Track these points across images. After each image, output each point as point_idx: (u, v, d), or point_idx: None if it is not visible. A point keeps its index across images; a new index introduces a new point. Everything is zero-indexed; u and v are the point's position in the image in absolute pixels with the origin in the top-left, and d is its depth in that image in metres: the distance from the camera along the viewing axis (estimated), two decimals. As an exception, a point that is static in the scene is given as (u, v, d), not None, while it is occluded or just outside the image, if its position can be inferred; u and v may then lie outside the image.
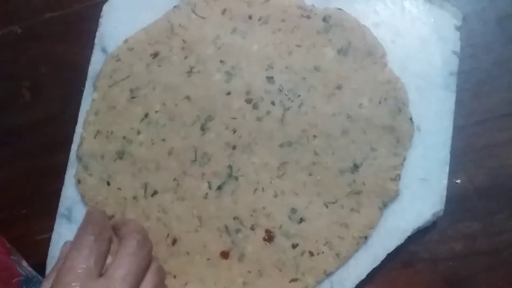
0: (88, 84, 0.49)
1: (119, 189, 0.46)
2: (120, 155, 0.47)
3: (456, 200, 0.44)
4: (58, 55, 0.53)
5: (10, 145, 0.52)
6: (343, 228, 0.43)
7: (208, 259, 0.44)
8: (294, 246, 0.43)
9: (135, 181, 0.46)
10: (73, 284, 0.32)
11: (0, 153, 0.52)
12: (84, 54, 0.51)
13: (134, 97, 0.48)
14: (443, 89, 0.45)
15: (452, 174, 0.44)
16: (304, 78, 0.46)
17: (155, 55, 0.48)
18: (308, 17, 0.47)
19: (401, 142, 0.44)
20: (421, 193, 0.43)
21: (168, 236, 0.45)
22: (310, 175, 0.44)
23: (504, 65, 0.46)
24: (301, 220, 0.44)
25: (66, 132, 0.49)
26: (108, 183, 0.47)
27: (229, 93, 0.46)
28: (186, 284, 0.44)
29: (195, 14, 0.48)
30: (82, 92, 0.50)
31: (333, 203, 0.43)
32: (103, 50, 0.50)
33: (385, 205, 0.43)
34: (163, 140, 0.47)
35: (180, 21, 0.48)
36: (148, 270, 0.36)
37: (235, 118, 0.46)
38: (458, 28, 0.46)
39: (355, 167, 0.44)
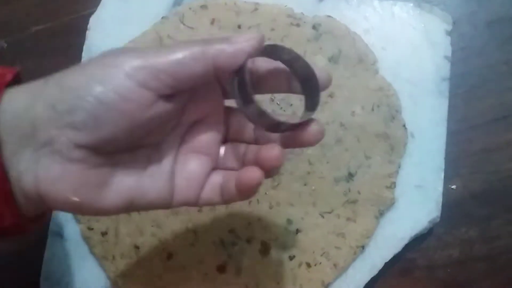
0: (77, 98, 0.49)
1: (111, 204, 0.46)
2: (112, 170, 0.46)
3: (452, 206, 0.44)
4: (46, 68, 0.50)
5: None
6: (339, 238, 0.43)
7: (205, 274, 0.43)
8: (291, 257, 0.43)
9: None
10: None
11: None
12: (74, 62, 0.50)
13: (124, 111, 0.47)
14: (436, 95, 0.45)
15: (447, 180, 0.44)
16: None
17: (145, 67, 0.47)
18: (298, 25, 0.46)
19: (395, 150, 0.43)
20: (417, 200, 0.43)
21: (163, 251, 0.44)
22: (305, 185, 0.44)
23: (496, 68, 0.46)
24: (297, 231, 0.43)
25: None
26: (100, 199, 0.46)
27: (220, 104, 0.46)
28: (182, 299, 0.44)
29: (184, 24, 0.48)
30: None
31: (329, 212, 0.43)
32: (92, 63, 0.49)
33: (381, 214, 0.43)
34: (155, 153, 0.46)
35: (168, 32, 0.48)
36: None
37: (228, 129, 0.45)
38: (448, 33, 0.46)
39: (350, 175, 0.43)
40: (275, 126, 0.29)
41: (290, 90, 0.31)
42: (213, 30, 0.47)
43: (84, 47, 0.49)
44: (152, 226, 0.45)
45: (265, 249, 0.43)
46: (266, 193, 0.44)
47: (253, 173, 0.29)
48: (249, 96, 0.28)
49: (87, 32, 0.50)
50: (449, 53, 0.45)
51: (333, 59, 0.45)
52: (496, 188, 0.44)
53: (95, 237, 0.45)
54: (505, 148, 0.44)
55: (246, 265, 0.43)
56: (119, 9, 0.50)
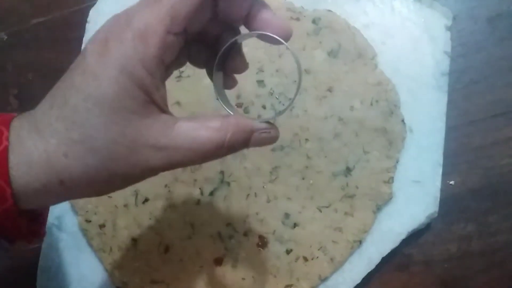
0: (76, 91, 0.49)
1: (109, 197, 0.46)
2: (110, 162, 0.46)
3: (450, 202, 0.44)
4: (46, 61, 0.52)
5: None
6: (337, 232, 0.43)
7: (201, 266, 0.43)
8: (288, 251, 0.43)
9: (125, 188, 0.45)
10: None
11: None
12: (72, 60, 0.49)
13: (123, 103, 0.47)
14: (435, 90, 0.45)
15: (445, 176, 0.43)
16: (295, 81, 0.45)
17: (144, 60, 0.47)
18: (298, 19, 0.46)
19: (393, 144, 0.43)
20: (415, 195, 0.43)
21: (160, 244, 0.44)
22: (303, 179, 0.44)
23: (495, 64, 0.46)
24: (295, 225, 0.43)
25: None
26: (98, 191, 0.46)
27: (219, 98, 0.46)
28: (179, 292, 0.44)
29: (184, 18, 0.48)
30: (70, 99, 0.49)
31: (327, 207, 0.43)
32: (91, 56, 0.49)
33: (378, 208, 0.43)
34: (154, 146, 0.46)
35: (168, 25, 0.48)
36: None
37: (226, 123, 0.45)
38: (448, 28, 0.46)
39: (348, 170, 0.43)
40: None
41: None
42: (212, 24, 0.47)
43: (84, 40, 0.49)
44: (149, 219, 0.45)
45: (262, 243, 0.43)
46: (264, 186, 0.44)
47: None
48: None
49: (87, 24, 0.50)
50: (448, 48, 0.45)
51: (332, 54, 0.45)
52: (494, 184, 0.44)
53: (93, 230, 0.45)
54: (503, 144, 0.44)
55: (243, 258, 0.43)
56: (118, 2, 0.48)
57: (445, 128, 0.44)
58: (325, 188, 0.43)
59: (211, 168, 0.45)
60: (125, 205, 0.45)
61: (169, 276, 0.44)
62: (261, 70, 0.46)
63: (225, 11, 0.28)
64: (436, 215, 0.43)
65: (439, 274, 0.43)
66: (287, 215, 0.43)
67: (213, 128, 0.27)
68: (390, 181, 0.43)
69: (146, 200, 0.45)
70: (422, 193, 0.43)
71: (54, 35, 0.52)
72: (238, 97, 0.45)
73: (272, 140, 0.30)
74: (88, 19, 0.50)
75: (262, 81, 0.46)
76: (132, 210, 0.45)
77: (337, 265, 0.42)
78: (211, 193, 0.44)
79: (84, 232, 0.45)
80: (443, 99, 0.44)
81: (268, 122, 0.29)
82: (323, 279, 0.42)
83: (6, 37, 0.53)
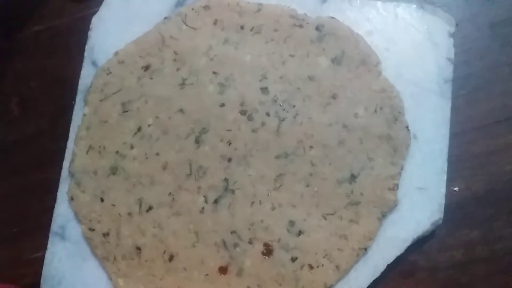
0: (79, 98, 0.49)
1: (113, 205, 0.45)
2: (113, 170, 0.46)
3: (454, 208, 0.44)
4: (47, 69, 0.52)
5: (0, 162, 0.50)
6: (342, 239, 0.42)
7: (206, 275, 0.43)
8: (293, 259, 0.43)
9: (129, 196, 0.45)
10: None
11: (-10, 170, 0.50)
12: (74, 67, 0.50)
13: (126, 111, 0.47)
14: (439, 96, 0.45)
15: (450, 182, 0.43)
16: (299, 88, 0.45)
17: (147, 67, 0.47)
18: (301, 26, 0.46)
19: (398, 151, 0.43)
20: (419, 202, 0.43)
21: (164, 252, 0.44)
22: (308, 186, 0.44)
23: (498, 70, 0.46)
24: (300, 232, 0.43)
25: (57, 148, 0.48)
26: (102, 200, 0.46)
27: (223, 105, 0.46)
28: (184, 300, 0.44)
29: (186, 25, 0.48)
30: (72, 106, 0.49)
31: (332, 214, 0.43)
32: (93, 63, 0.49)
33: (384, 215, 0.43)
34: (157, 154, 0.46)
35: (171, 32, 0.48)
36: None
37: (230, 130, 0.45)
38: (451, 35, 0.46)
39: (353, 177, 0.43)
40: None
41: None
42: (216, 31, 0.47)
43: (86, 47, 0.49)
44: (153, 227, 0.45)
45: (267, 251, 0.43)
46: (268, 194, 0.44)
47: None
48: None
49: (89, 32, 0.50)
50: (452, 55, 0.45)
51: (336, 60, 0.45)
52: (499, 190, 0.44)
53: (97, 238, 0.45)
54: (507, 150, 0.44)
55: (248, 267, 0.43)
56: (121, 10, 0.49)
57: (449, 134, 0.44)
58: (330, 195, 0.43)
59: (215, 175, 0.45)
60: (129, 214, 0.45)
61: (173, 285, 0.44)
62: (264, 77, 0.46)
63: None
64: (441, 221, 0.43)
65: (444, 280, 0.43)
66: (292, 223, 0.43)
67: None
68: (395, 188, 0.43)
69: (150, 208, 0.45)
70: (426, 199, 0.43)
71: (56, 43, 0.52)
72: (242, 104, 0.45)
73: None
74: (91, 26, 0.49)
75: (266, 88, 0.46)
76: (136, 219, 0.45)
77: (342, 272, 0.42)
78: (216, 201, 0.44)
79: (88, 241, 0.45)
80: (447, 105, 0.45)
81: None
82: (329, 287, 0.42)
83: (7, 44, 0.53)
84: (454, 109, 0.45)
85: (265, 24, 0.47)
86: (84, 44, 0.50)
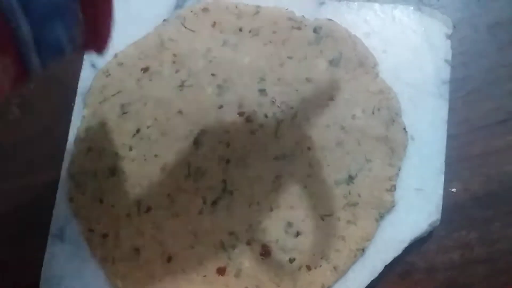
0: (78, 100, 0.49)
1: (112, 206, 0.46)
2: (113, 172, 0.46)
3: (452, 209, 0.44)
4: (47, 71, 0.52)
5: (-1, 164, 0.51)
6: (340, 240, 0.43)
7: (204, 276, 0.43)
8: (291, 260, 0.43)
9: (128, 198, 0.46)
10: None
11: (-11, 172, 0.51)
12: (73, 69, 0.50)
13: (125, 113, 0.47)
14: (436, 98, 0.45)
15: (447, 183, 0.44)
16: (297, 90, 0.45)
17: (146, 69, 0.48)
18: (299, 28, 0.46)
19: (395, 153, 0.44)
20: (417, 203, 0.43)
21: (163, 253, 0.44)
22: (306, 187, 0.44)
23: (496, 72, 0.46)
24: (298, 233, 0.43)
25: (56, 149, 0.49)
26: (101, 201, 0.46)
27: (221, 107, 0.46)
28: (182, 301, 0.44)
29: (185, 27, 0.48)
30: (72, 108, 0.49)
31: (329, 215, 0.43)
32: (93, 65, 0.49)
33: (381, 217, 0.43)
34: (156, 155, 0.46)
35: (170, 35, 0.48)
36: None
37: (228, 132, 0.45)
38: (449, 36, 0.46)
39: (350, 178, 0.43)
40: None
41: None
42: (214, 33, 0.47)
43: (86, 50, 0.50)
44: (152, 228, 0.45)
45: (265, 252, 0.43)
46: (266, 195, 0.44)
47: None
48: None
49: (89, 34, 0.50)
50: (449, 57, 0.46)
51: (333, 62, 0.45)
52: (497, 191, 0.44)
53: (96, 240, 0.45)
54: (505, 151, 0.44)
55: (246, 268, 0.43)
56: (120, 12, 0.49)
57: (446, 135, 0.44)
58: (328, 197, 0.43)
59: (213, 177, 0.45)
60: (128, 215, 0.45)
61: (172, 286, 0.44)
62: (262, 79, 0.46)
63: None
64: (439, 223, 0.43)
65: (442, 281, 0.43)
66: (290, 224, 0.43)
67: None
68: (392, 189, 0.43)
69: (149, 209, 0.45)
70: (424, 201, 0.43)
71: (56, 45, 0.52)
72: (240, 106, 0.46)
73: None
74: (90, 29, 0.50)
75: (264, 90, 0.46)
76: (134, 220, 0.45)
77: (340, 273, 0.42)
78: (214, 202, 0.44)
79: (87, 242, 0.45)
80: (444, 107, 0.45)
81: None
82: (327, 288, 0.43)
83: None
84: (452, 111, 0.45)
85: (263, 27, 0.47)
86: (84, 46, 0.50)
